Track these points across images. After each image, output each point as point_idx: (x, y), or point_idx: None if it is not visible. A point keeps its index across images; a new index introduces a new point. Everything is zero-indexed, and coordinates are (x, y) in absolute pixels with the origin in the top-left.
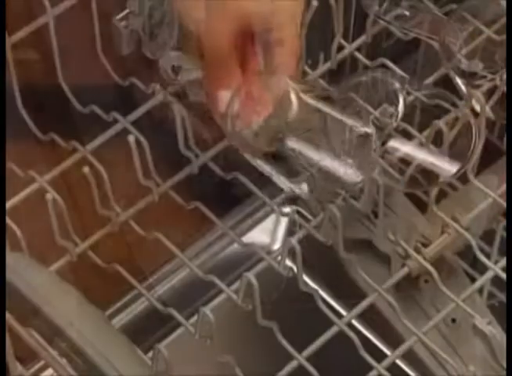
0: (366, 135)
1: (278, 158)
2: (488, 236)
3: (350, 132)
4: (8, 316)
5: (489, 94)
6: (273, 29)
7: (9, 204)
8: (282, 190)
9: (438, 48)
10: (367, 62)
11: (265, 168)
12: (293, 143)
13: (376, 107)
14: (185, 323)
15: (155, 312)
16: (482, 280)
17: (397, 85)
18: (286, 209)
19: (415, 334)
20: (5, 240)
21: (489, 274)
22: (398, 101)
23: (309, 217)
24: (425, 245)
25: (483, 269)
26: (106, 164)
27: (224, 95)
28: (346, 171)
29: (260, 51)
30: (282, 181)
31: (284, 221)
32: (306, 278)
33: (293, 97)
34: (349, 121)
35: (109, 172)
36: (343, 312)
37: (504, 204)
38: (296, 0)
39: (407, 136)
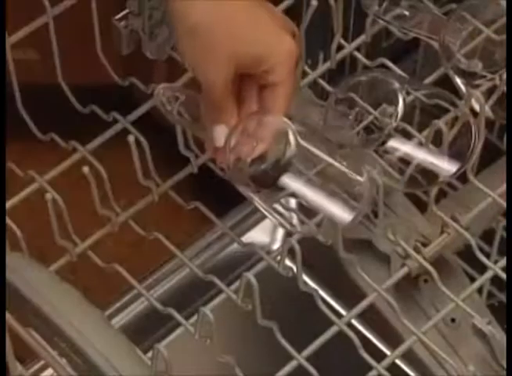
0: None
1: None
2: (487, 236)
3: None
4: (8, 316)
5: (489, 94)
6: (268, 71)
7: (8, 204)
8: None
9: (437, 47)
10: (367, 62)
11: (258, 202)
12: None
13: (375, 107)
14: (185, 323)
15: (155, 312)
16: (482, 279)
17: (396, 85)
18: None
19: (414, 334)
20: (4, 240)
21: (489, 274)
22: (397, 101)
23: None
24: (425, 245)
25: (482, 268)
26: (105, 164)
27: (220, 131)
28: (340, 211)
29: (255, 91)
30: (273, 216)
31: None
32: (306, 278)
33: (291, 137)
34: (347, 169)
35: (109, 172)
36: (343, 311)
37: (504, 204)
38: (291, 42)
39: (407, 136)
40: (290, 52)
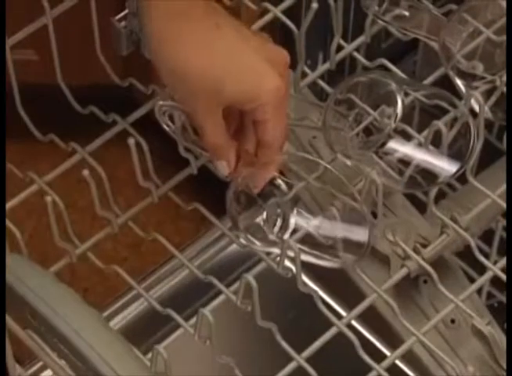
0: None
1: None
2: (487, 237)
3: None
4: (6, 317)
5: (488, 94)
6: (255, 110)
7: (8, 205)
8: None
9: (437, 48)
10: (366, 62)
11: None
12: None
13: (375, 108)
14: (184, 325)
15: (154, 313)
16: (481, 280)
17: (395, 86)
18: None
19: (414, 335)
20: (4, 240)
21: (488, 274)
22: (396, 102)
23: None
24: (424, 246)
25: (482, 269)
26: (105, 165)
27: (222, 166)
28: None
29: (250, 127)
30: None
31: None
32: (305, 279)
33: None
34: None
35: (108, 174)
36: (342, 312)
37: (503, 204)
38: (276, 79)
39: (406, 137)
40: (275, 90)
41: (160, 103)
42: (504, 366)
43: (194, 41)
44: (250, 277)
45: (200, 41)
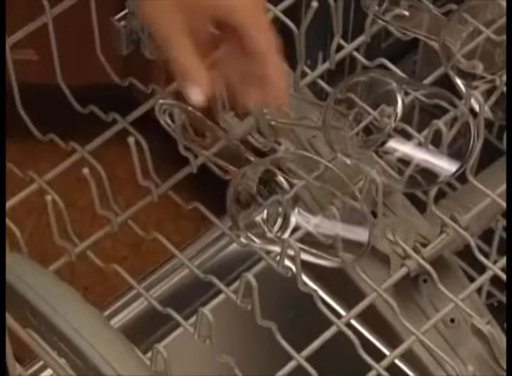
0: None
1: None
2: (486, 236)
3: None
4: (6, 316)
5: (488, 94)
6: (236, 14)
7: (8, 204)
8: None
9: (437, 48)
10: (366, 62)
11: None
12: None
13: (375, 107)
14: (184, 324)
15: (154, 312)
16: (481, 279)
17: (395, 85)
18: None
19: (414, 334)
20: (4, 240)
21: (488, 274)
22: (396, 101)
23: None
24: (424, 245)
25: (482, 268)
26: (105, 164)
27: (193, 90)
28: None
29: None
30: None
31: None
32: (305, 278)
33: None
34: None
35: (108, 173)
36: (342, 312)
37: (503, 204)
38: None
39: (406, 136)
40: None
41: (161, 101)
42: (504, 365)
43: None
44: (250, 276)
45: None
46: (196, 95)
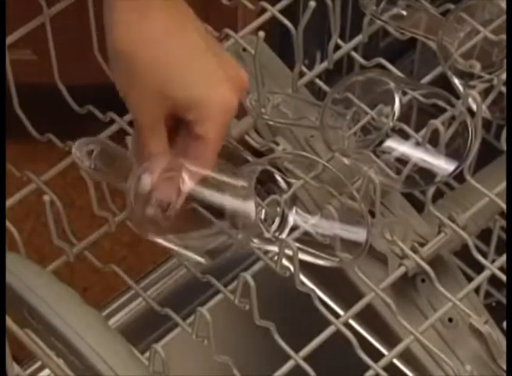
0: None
1: None
2: (484, 236)
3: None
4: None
5: (486, 93)
6: (194, 122)
7: (6, 205)
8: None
9: (434, 47)
10: (364, 61)
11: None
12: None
13: (372, 107)
14: (182, 324)
15: (152, 312)
16: (479, 279)
17: (393, 85)
18: None
19: (412, 334)
20: (4, 240)
21: (486, 273)
22: (393, 101)
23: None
24: (422, 244)
25: (480, 268)
26: None
27: (147, 180)
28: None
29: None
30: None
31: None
32: (303, 278)
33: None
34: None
35: None
36: (340, 311)
37: (501, 203)
38: (227, 95)
39: (404, 136)
40: (225, 104)
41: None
42: (502, 365)
43: (154, 33)
44: (248, 276)
45: (161, 35)
46: (146, 182)
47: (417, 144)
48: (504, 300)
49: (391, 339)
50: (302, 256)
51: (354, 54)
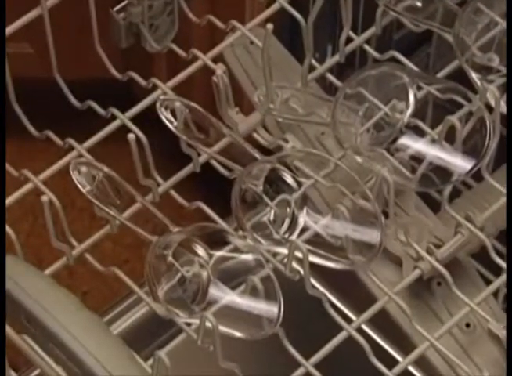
0: None
1: None
2: (503, 237)
3: None
4: None
5: (504, 88)
6: None
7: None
8: None
9: (451, 40)
10: (377, 55)
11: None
12: None
13: (386, 103)
14: (187, 329)
15: (156, 317)
16: (498, 282)
17: (407, 79)
18: None
19: (427, 340)
20: (4, 242)
21: (505, 276)
22: (408, 96)
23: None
24: (438, 246)
25: (498, 270)
26: (104, 162)
27: None
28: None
29: None
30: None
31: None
32: (314, 281)
33: None
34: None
35: None
36: (352, 316)
37: None
38: None
39: (419, 132)
40: None
41: (162, 97)
42: None
43: None
44: (256, 279)
45: None
46: None
47: (433, 141)
48: None
49: (405, 345)
50: (313, 258)
51: (366, 47)
